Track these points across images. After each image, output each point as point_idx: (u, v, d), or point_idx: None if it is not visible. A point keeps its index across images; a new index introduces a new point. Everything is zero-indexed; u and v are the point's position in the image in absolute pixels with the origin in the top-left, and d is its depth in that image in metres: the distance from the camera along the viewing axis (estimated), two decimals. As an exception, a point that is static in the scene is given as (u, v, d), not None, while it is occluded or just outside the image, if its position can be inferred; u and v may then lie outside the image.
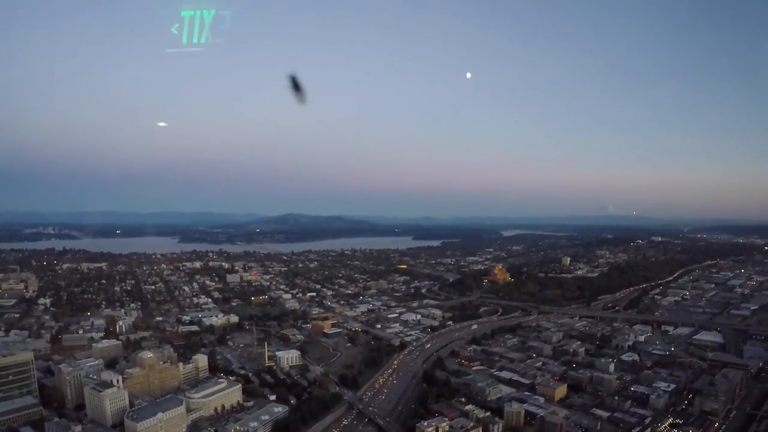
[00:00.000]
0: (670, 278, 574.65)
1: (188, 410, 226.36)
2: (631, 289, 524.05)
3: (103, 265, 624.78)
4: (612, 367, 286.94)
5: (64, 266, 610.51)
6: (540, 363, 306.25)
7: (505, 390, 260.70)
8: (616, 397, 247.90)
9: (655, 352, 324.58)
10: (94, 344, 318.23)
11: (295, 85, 61.74)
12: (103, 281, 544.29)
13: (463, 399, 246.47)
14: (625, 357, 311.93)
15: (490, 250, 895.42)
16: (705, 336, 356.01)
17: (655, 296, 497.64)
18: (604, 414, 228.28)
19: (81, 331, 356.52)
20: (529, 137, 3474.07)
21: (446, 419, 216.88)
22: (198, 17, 70.51)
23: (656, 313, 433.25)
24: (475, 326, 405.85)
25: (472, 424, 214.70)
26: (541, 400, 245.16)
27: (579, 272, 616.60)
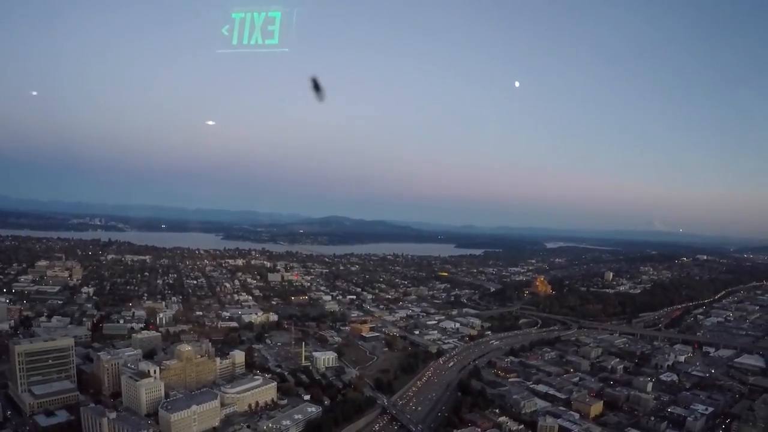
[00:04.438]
0: (714, 298, 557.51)
1: (222, 404, 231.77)
2: (674, 307, 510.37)
3: (147, 257, 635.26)
4: (650, 386, 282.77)
5: (109, 257, 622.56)
6: (577, 378, 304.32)
7: (540, 404, 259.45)
8: (653, 418, 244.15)
9: (694, 373, 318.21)
10: (134, 334, 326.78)
11: (316, 86, 69.45)
12: (146, 273, 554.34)
13: (497, 410, 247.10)
14: (663, 377, 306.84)
15: (533, 261, 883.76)
16: (747, 359, 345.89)
17: (698, 316, 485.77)
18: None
19: (122, 321, 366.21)
20: (576, 148, 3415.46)
21: (479, 430, 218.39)
22: (248, 19, 72.88)
23: (698, 334, 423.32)
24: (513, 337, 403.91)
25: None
26: (576, 416, 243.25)
27: (621, 288, 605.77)
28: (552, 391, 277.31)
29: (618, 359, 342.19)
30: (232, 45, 74.54)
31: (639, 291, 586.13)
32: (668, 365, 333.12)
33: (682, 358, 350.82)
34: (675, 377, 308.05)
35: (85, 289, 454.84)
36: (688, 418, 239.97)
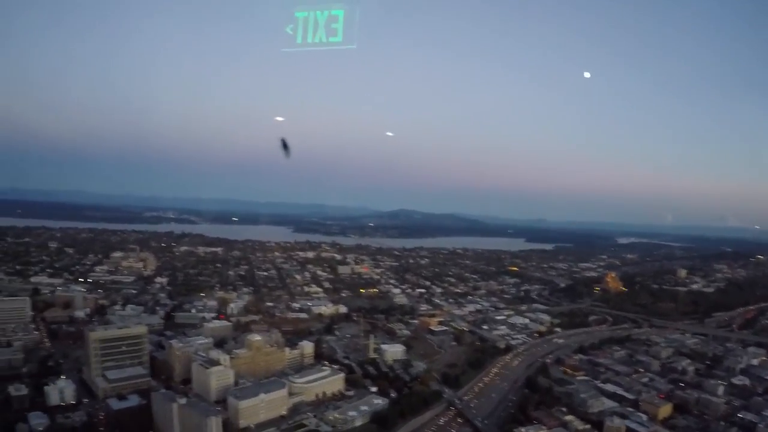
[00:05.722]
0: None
1: (290, 394, 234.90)
2: (748, 308, 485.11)
3: (219, 249, 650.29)
4: (721, 389, 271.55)
5: (182, 248, 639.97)
6: (646, 379, 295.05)
7: (608, 403, 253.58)
8: (723, 423, 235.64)
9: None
10: (205, 323, 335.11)
11: (284, 146, 78.18)
12: (218, 265, 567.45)
13: (563, 408, 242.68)
14: (735, 380, 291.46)
15: (604, 256, 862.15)
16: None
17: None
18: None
19: (193, 311, 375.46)
20: (648, 142, 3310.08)
21: (544, 428, 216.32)
22: (312, 18, 73.55)
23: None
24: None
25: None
26: (644, 417, 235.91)
27: (694, 286, 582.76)
28: (620, 391, 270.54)
29: (689, 360, 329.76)
30: (296, 44, 75.36)
31: (712, 289, 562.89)
32: (741, 368, 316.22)
33: (755, 362, 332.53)
34: (747, 381, 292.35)
35: (158, 280, 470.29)
36: (759, 425, 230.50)
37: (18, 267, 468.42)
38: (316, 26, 74.09)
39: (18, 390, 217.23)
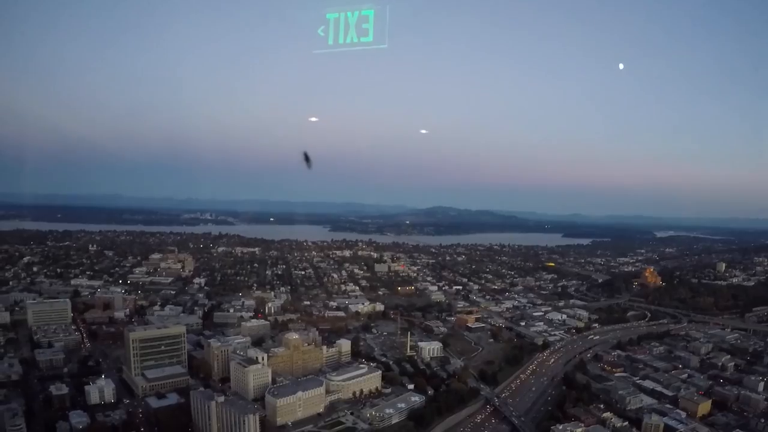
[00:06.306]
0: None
1: (327, 391, 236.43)
2: None
3: (256, 249, 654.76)
4: (762, 386, 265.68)
5: (219, 249, 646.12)
6: (685, 375, 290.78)
7: (646, 400, 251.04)
8: (763, 420, 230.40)
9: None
10: (243, 323, 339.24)
11: (306, 158, 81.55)
12: (255, 265, 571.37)
13: (601, 405, 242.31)
14: None
15: (642, 251, 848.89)
16: None
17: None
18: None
19: (231, 310, 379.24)
20: (685, 133, 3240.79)
21: (582, 425, 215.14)
22: (342, 19, 73.84)
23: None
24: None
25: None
26: (683, 414, 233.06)
27: (734, 280, 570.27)
28: (659, 388, 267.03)
29: (729, 356, 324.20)
30: (328, 45, 75.77)
31: (753, 283, 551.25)
32: None
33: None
34: None
35: (196, 280, 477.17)
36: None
37: (59, 270, 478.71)
38: (347, 27, 74.39)
39: (59, 389, 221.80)
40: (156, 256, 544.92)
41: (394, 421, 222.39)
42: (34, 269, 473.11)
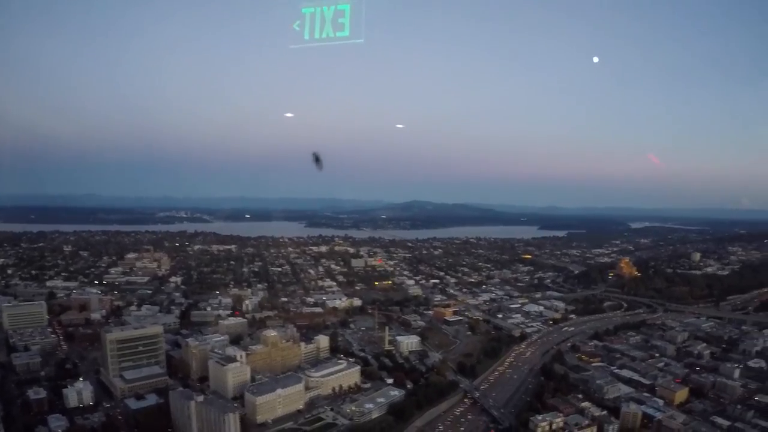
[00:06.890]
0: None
1: (307, 388, 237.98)
2: (764, 290, 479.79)
3: (233, 247, 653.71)
4: (737, 373, 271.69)
5: (195, 247, 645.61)
6: (662, 363, 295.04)
7: (624, 389, 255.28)
8: (739, 406, 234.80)
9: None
10: (221, 321, 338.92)
11: (317, 159, 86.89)
12: (232, 262, 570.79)
13: (580, 395, 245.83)
14: (751, 363, 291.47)
15: (617, 242, 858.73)
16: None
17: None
18: (725, 423, 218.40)
19: (209, 309, 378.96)
20: (657, 126, 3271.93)
21: (561, 415, 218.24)
22: (318, 14, 74.81)
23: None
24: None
25: (587, 422, 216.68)
26: (660, 402, 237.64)
27: (708, 269, 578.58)
28: (636, 377, 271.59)
29: (705, 344, 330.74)
30: (304, 40, 76.52)
31: (727, 272, 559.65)
32: (757, 351, 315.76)
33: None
34: (764, 364, 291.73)
35: (173, 279, 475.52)
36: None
37: (33, 272, 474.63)
38: (323, 22, 75.44)
39: (37, 393, 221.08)
40: (132, 255, 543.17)
41: (374, 415, 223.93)
42: (8, 272, 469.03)
